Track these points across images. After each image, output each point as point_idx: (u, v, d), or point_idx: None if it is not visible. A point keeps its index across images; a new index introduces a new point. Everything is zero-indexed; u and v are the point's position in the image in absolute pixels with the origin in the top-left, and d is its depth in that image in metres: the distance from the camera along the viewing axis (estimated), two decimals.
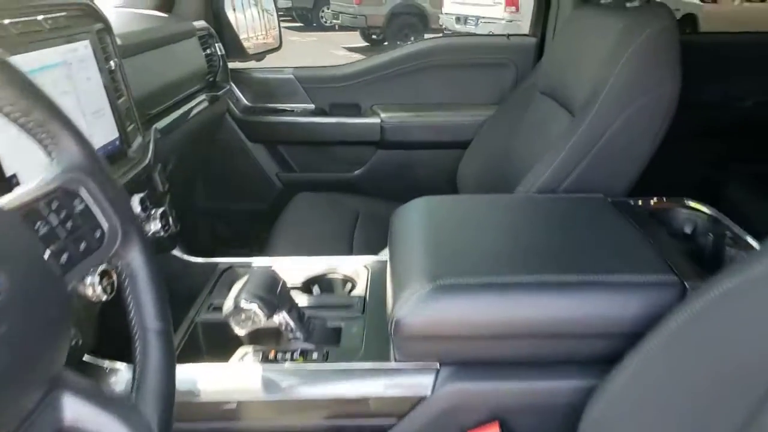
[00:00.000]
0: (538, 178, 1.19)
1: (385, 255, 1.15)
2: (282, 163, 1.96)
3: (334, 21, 10.74)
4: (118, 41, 1.12)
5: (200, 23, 1.62)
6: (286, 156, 1.95)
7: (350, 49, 10.21)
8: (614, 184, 1.19)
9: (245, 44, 2.00)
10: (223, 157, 1.90)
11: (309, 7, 12.33)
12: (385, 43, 10.24)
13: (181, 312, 1.06)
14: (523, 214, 1.04)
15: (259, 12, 2.28)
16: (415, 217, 1.05)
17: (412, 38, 9.95)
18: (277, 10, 2.29)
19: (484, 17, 8.01)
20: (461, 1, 8.43)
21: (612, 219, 1.01)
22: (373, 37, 10.58)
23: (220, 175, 1.93)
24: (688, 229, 1.08)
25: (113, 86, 1.05)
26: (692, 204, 1.11)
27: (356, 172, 1.96)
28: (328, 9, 11.39)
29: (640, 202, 1.13)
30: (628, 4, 1.28)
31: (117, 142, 1.05)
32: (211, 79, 1.66)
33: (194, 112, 1.45)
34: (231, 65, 1.86)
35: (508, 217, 1.04)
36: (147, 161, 1.08)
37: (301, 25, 12.60)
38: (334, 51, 10.11)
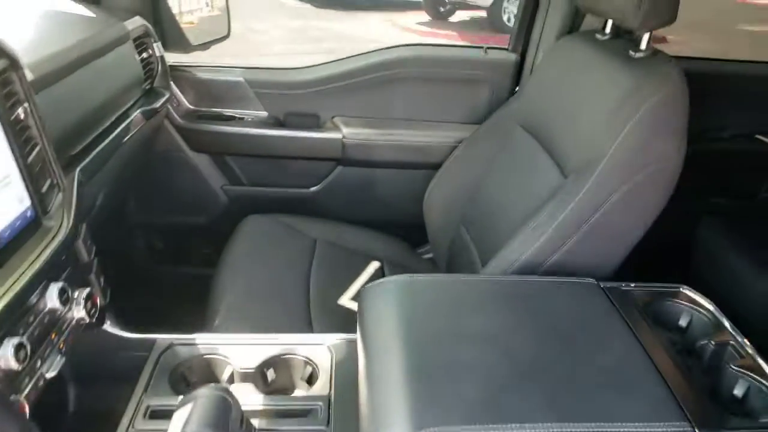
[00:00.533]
0: (522, 254, 1.06)
1: (347, 336, 1.02)
2: (229, 174, 1.76)
3: None
4: (29, 75, 0.89)
5: (135, 21, 1.37)
6: (233, 167, 1.75)
7: None
8: (602, 263, 1.08)
9: (188, 21, 1.76)
10: (161, 167, 1.68)
11: None
12: None
13: (112, 413, 0.90)
14: (511, 311, 0.92)
15: None
16: (386, 310, 0.90)
17: None
18: None
19: None
20: None
21: (609, 322, 0.90)
22: None
23: (158, 187, 1.72)
24: (683, 322, 0.99)
25: (22, 141, 0.83)
26: (689, 294, 1.01)
27: (313, 189, 1.78)
28: None
29: (632, 285, 1.03)
30: (633, 54, 1.14)
31: (29, 213, 0.84)
32: (147, 87, 1.43)
33: (128, 135, 1.24)
34: (170, 59, 1.62)
35: (495, 315, 0.91)
36: (66, 233, 0.87)
37: None
38: None
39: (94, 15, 1.30)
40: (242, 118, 1.67)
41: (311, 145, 1.67)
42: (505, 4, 7.61)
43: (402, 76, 1.68)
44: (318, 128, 1.70)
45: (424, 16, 8.70)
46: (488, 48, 1.71)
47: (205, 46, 1.83)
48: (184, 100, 1.67)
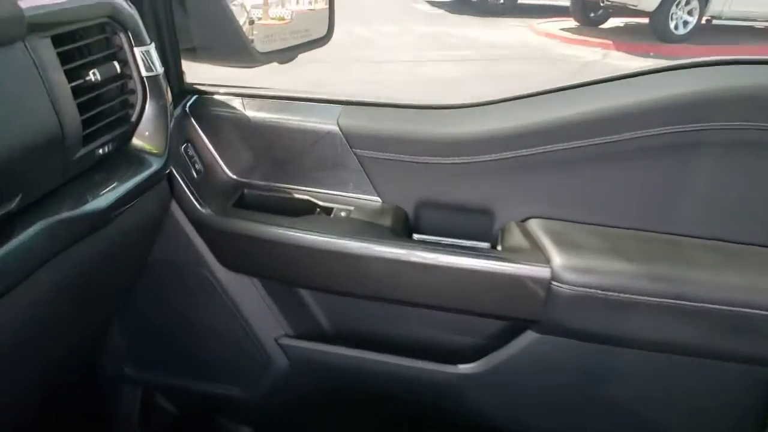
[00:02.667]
0: None
1: None
2: (293, 316, 1.05)
3: None
4: None
5: None
6: (306, 303, 1.04)
7: (433, 4, 9.10)
8: None
9: (277, 17, 1.14)
10: (160, 291, 1.04)
11: None
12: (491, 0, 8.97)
13: None
14: None
15: None
16: None
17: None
18: None
19: None
20: None
21: None
22: None
23: (154, 326, 1.08)
24: None
25: None
26: None
27: (464, 367, 0.97)
28: None
29: None
30: None
31: None
32: (106, 149, 0.74)
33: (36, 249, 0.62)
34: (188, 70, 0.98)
35: None
36: None
37: None
38: (414, 5, 9.03)
39: None
40: (330, 209, 0.98)
41: (481, 282, 0.88)
42: (673, 9, 6.47)
43: (720, 138, 0.84)
44: (492, 242, 0.93)
45: (569, 22, 7.75)
46: None
47: (292, 51, 1.16)
48: (223, 165, 1.01)
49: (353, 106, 0.98)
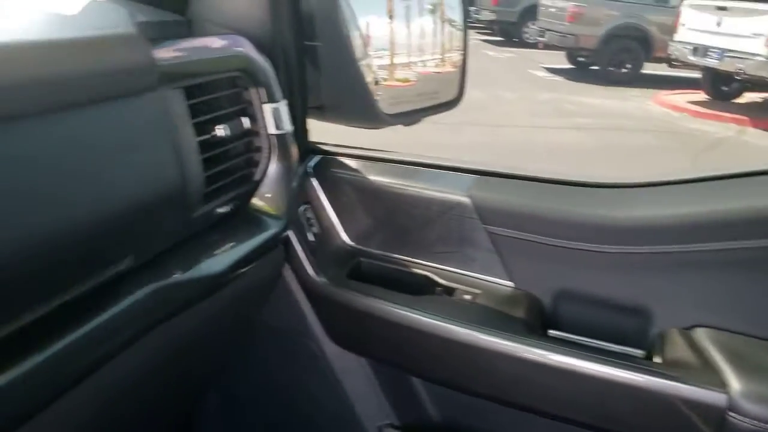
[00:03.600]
0: None
1: None
2: (405, 403, 0.95)
3: (539, 38, 9.56)
4: None
5: (226, 45, 0.70)
6: (418, 392, 0.94)
7: (552, 71, 9.00)
8: None
9: (401, 78, 1.07)
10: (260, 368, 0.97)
11: (512, 21, 11.34)
12: (594, 67, 8.83)
13: None
14: None
15: (437, 23, 1.31)
16: None
17: (628, 66, 8.45)
18: (468, 24, 1.26)
19: (732, 50, 6.32)
20: (704, 29, 6.78)
21: None
22: (580, 59, 9.24)
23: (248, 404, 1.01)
24: None
25: None
26: None
27: None
28: (533, 25, 10.26)
29: None
30: None
31: None
32: (223, 210, 0.70)
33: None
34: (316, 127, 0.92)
35: None
36: None
37: (501, 39, 11.66)
38: (533, 71, 8.98)
39: (104, 15, 0.61)
40: (453, 289, 0.85)
41: (629, 399, 0.71)
42: None
43: None
44: (647, 351, 0.77)
45: (697, 95, 7.32)
46: None
47: (419, 114, 1.10)
48: (340, 230, 0.94)
49: (488, 177, 0.88)
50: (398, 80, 1.12)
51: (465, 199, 0.84)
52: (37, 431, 0.49)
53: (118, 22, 0.58)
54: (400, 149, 1.02)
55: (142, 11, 0.67)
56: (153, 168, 0.56)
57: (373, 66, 1.06)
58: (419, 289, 0.86)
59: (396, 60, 1.16)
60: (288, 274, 0.88)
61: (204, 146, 0.62)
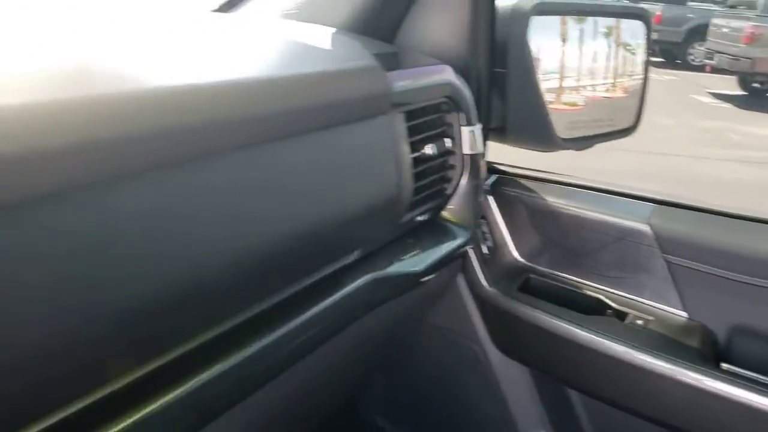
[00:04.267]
0: None
1: None
2: (557, 413, 0.99)
3: (706, 60, 8.89)
4: None
5: (438, 74, 0.79)
6: (573, 402, 0.98)
7: (719, 97, 8.32)
8: None
9: (568, 102, 1.12)
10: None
11: (677, 41, 10.64)
12: None
13: None
14: None
15: (611, 47, 1.34)
16: None
17: None
18: (651, 49, 1.28)
19: None
20: None
21: None
22: (755, 85, 8.44)
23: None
24: None
25: None
26: None
27: None
28: (700, 46, 9.56)
29: None
30: None
31: None
32: (419, 218, 0.80)
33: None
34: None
35: None
36: None
37: (662, 60, 10.98)
38: (696, 96, 8.37)
39: (336, 47, 0.74)
40: (624, 314, 0.87)
41: None
42: None
43: None
44: None
45: None
46: None
47: (593, 140, 1.15)
48: (512, 246, 0.99)
49: (669, 207, 0.89)
50: (565, 104, 1.17)
51: (644, 227, 0.86)
52: (252, 409, 0.58)
53: (358, 54, 0.70)
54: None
55: (363, 42, 0.79)
56: (379, 178, 0.66)
57: (542, 89, 1.11)
58: (588, 309, 0.89)
59: (564, 83, 1.21)
60: (460, 281, 0.96)
61: (415, 162, 0.72)
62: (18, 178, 0.34)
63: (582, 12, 1.17)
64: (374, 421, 1.17)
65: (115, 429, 0.41)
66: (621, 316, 0.87)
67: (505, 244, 0.99)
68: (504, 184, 1.01)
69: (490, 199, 0.99)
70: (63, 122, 0.37)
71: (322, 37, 0.76)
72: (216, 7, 1.02)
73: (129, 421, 0.42)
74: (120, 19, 0.68)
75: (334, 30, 0.81)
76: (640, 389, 0.81)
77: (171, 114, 0.43)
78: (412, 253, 0.75)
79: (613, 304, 0.89)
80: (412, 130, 0.71)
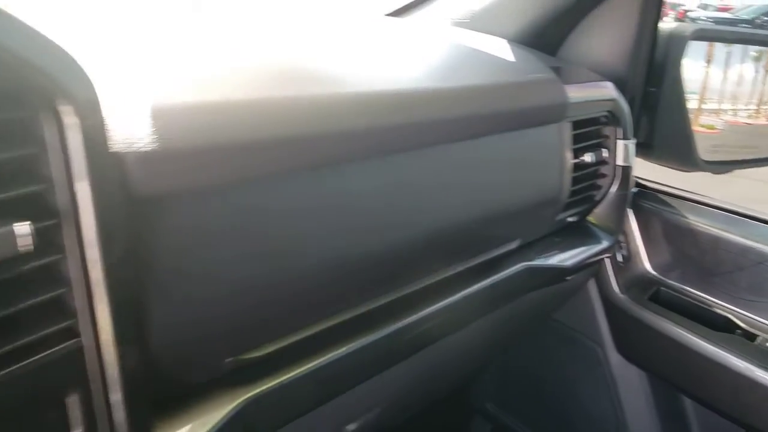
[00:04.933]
0: None
1: None
2: (670, 421, 1.04)
3: None
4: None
5: (603, 89, 0.86)
6: (687, 413, 1.01)
7: None
8: None
9: (706, 125, 1.15)
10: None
11: None
12: None
13: None
14: None
15: (758, 72, 1.35)
16: None
17: None
18: None
19: None
20: None
21: None
22: None
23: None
24: None
25: None
26: None
27: None
28: None
29: None
30: None
31: None
32: (569, 218, 0.88)
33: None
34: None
35: None
36: None
37: None
38: None
39: (517, 58, 0.82)
40: (754, 336, 0.89)
41: None
42: None
43: None
44: None
45: None
46: None
47: (735, 165, 1.18)
48: (645, 258, 1.03)
49: None
50: (703, 126, 1.19)
51: None
52: (391, 379, 0.65)
53: (538, 68, 0.78)
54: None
55: (536, 55, 0.87)
56: (544, 178, 0.74)
57: None
58: (716, 326, 0.93)
59: (704, 105, 1.23)
60: (591, 284, 1.02)
61: (574, 167, 0.79)
62: (246, 161, 0.41)
63: (741, 40, 1.18)
64: (484, 408, 1.25)
65: (313, 363, 0.51)
66: (751, 337, 0.90)
67: (639, 254, 1.04)
68: (644, 198, 1.05)
69: (629, 211, 1.04)
70: (283, 116, 0.43)
71: (500, 48, 0.85)
72: (389, 11, 1.14)
73: (323, 358, 0.52)
74: (308, 25, 0.77)
75: (506, 42, 0.90)
76: (763, 408, 0.84)
77: (383, 113, 0.52)
78: (561, 250, 0.82)
79: (743, 325, 0.92)
80: (575, 139, 0.79)
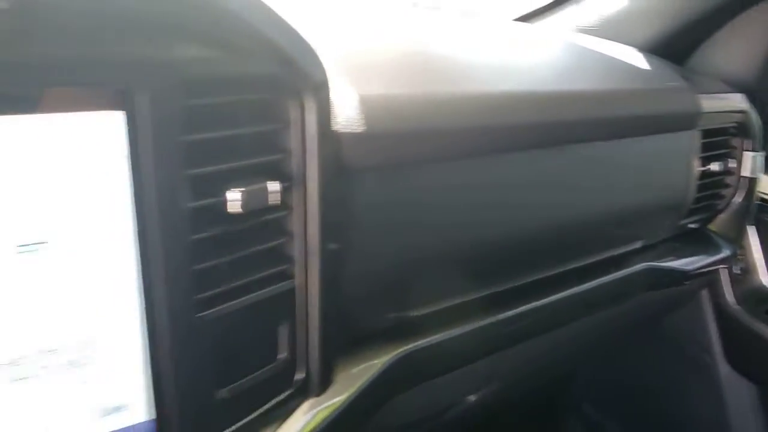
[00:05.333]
0: None
1: None
2: None
3: None
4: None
5: (735, 100, 0.86)
6: None
7: None
8: None
9: None
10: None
11: None
12: None
13: None
14: None
15: None
16: None
17: None
18: None
19: None
20: None
21: None
22: None
23: None
24: None
25: None
26: None
27: None
28: None
29: None
30: None
31: None
32: (687, 223, 0.88)
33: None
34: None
35: None
36: None
37: None
38: None
39: (650, 66, 0.83)
40: None
41: None
42: None
43: None
44: None
45: None
46: None
47: None
48: (764, 272, 1.02)
49: None
50: None
51: None
52: (504, 360, 0.70)
53: (671, 77, 0.81)
54: None
55: (667, 64, 0.89)
56: (672, 183, 0.77)
57: None
58: None
59: None
60: (704, 293, 1.03)
61: (701, 175, 0.81)
62: (431, 146, 0.49)
63: None
64: (580, 408, 1.27)
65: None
66: None
67: (757, 268, 1.03)
68: (766, 212, 1.04)
69: (746, 224, 1.04)
70: (462, 108, 0.51)
71: (631, 56, 0.88)
72: (516, 16, 1.18)
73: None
74: (449, 28, 0.80)
75: (636, 50, 0.92)
76: None
77: (537, 111, 0.58)
78: (682, 255, 0.84)
79: None
80: (704, 147, 0.81)
